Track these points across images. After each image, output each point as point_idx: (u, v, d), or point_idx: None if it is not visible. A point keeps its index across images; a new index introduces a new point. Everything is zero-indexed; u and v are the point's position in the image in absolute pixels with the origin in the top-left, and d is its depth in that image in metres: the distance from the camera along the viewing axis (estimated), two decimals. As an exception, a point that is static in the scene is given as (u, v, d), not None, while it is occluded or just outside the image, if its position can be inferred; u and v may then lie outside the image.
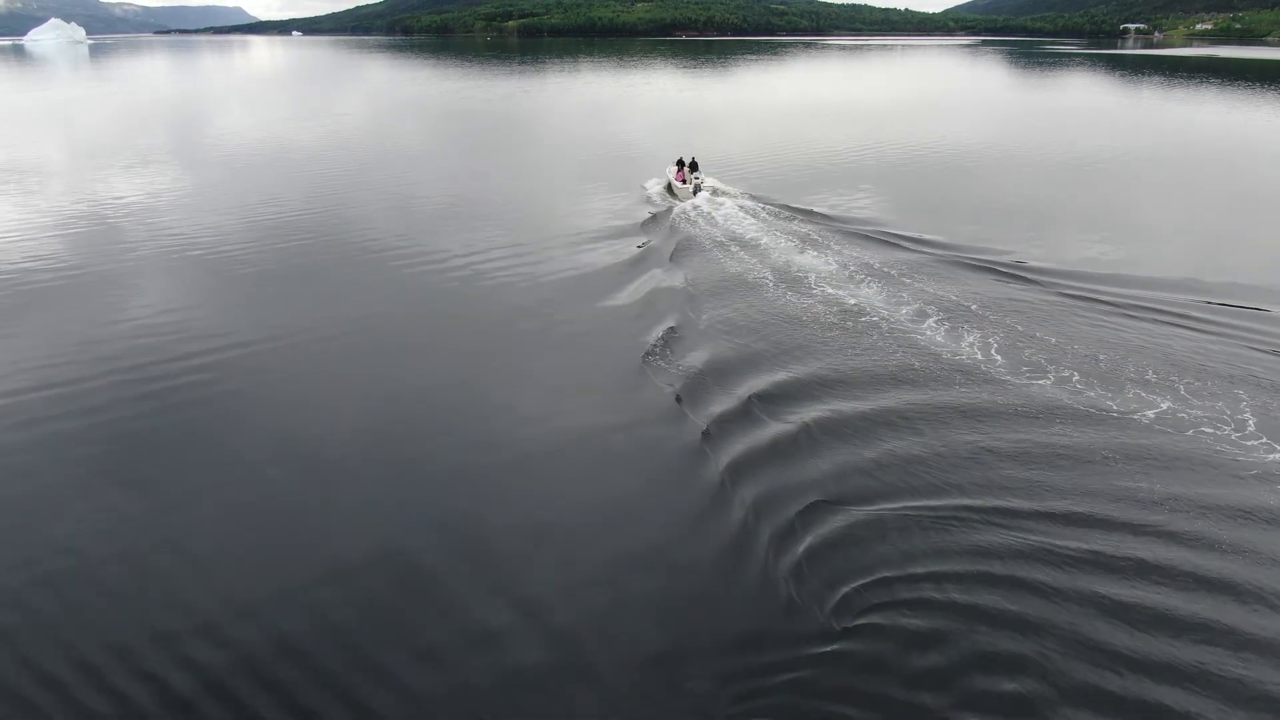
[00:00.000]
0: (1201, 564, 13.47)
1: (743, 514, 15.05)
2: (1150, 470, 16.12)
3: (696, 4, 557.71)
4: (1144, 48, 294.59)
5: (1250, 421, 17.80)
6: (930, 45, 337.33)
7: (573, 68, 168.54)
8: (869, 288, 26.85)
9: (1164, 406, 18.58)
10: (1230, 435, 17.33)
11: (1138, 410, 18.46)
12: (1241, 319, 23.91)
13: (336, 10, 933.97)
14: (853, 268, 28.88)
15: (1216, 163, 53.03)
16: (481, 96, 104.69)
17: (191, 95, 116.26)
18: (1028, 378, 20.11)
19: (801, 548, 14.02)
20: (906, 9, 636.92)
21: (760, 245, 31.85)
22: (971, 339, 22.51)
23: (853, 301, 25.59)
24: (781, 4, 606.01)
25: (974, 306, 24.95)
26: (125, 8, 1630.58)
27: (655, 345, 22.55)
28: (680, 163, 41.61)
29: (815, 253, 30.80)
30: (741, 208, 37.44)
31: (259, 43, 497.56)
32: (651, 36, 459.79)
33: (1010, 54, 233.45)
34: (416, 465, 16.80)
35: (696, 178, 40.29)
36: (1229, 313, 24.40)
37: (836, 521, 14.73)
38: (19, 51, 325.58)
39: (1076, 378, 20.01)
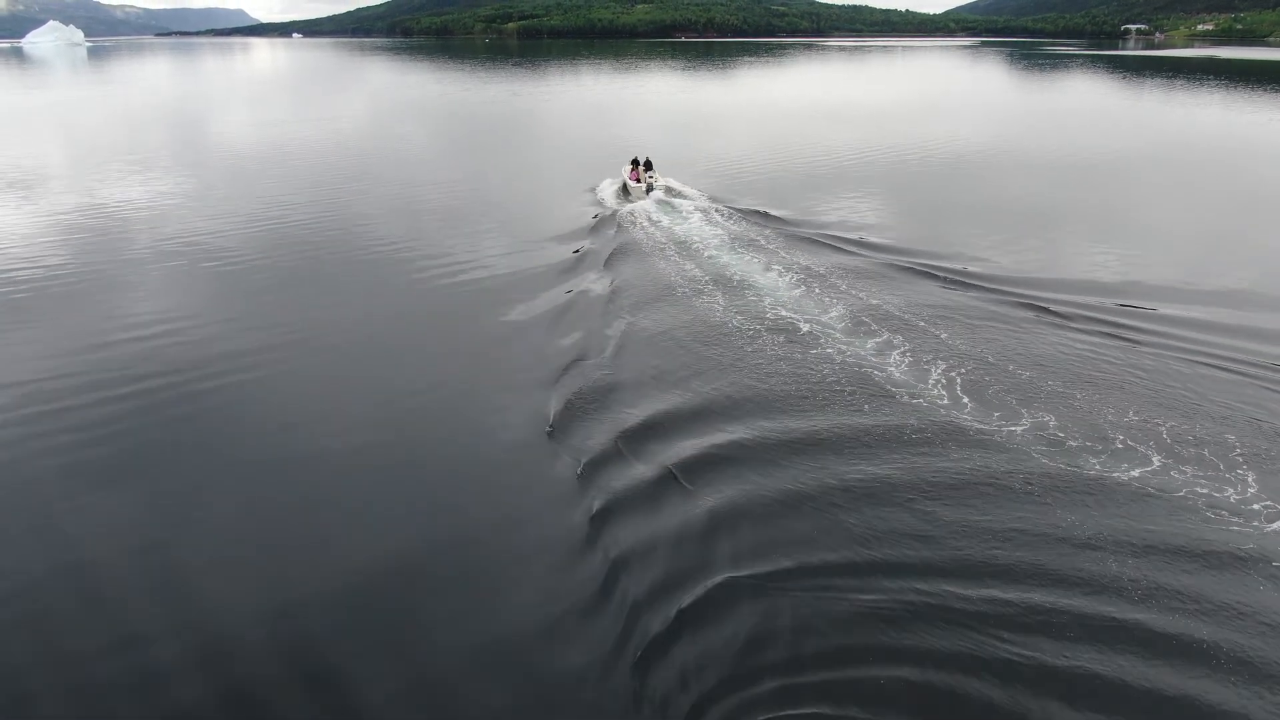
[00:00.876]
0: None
1: (598, 576, 12.94)
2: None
3: (696, 5, 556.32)
4: (1145, 49, 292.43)
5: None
6: (930, 46, 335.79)
7: (568, 69, 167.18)
8: (807, 298, 24.70)
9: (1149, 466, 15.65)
10: (1230, 499, 14.52)
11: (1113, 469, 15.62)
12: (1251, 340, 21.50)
13: (337, 13, 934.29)
14: (796, 275, 26.77)
15: (1220, 164, 51.34)
16: (473, 99, 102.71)
17: (182, 96, 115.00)
18: (994, 421, 17.12)
19: (663, 632, 11.75)
20: (907, 10, 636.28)
21: (700, 250, 29.85)
22: (913, 363, 20.03)
23: (782, 314, 23.41)
24: (782, 5, 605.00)
25: (922, 322, 22.65)
26: (126, 10, 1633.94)
27: (549, 368, 20.39)
28: (635, 162, 40.85)
29: (757, 258, 28.82)
30: (696, 208, 35.99)
31: (257, 45, 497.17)
32: (651, 38, 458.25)
33: (1011, 55, 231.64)
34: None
35: (651, 176, 39.73)
36: (1234, 332, 22.04)
37: (717, 604, 12.28)
38: (17, 54, 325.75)
39: (1052, 423, 17.05)
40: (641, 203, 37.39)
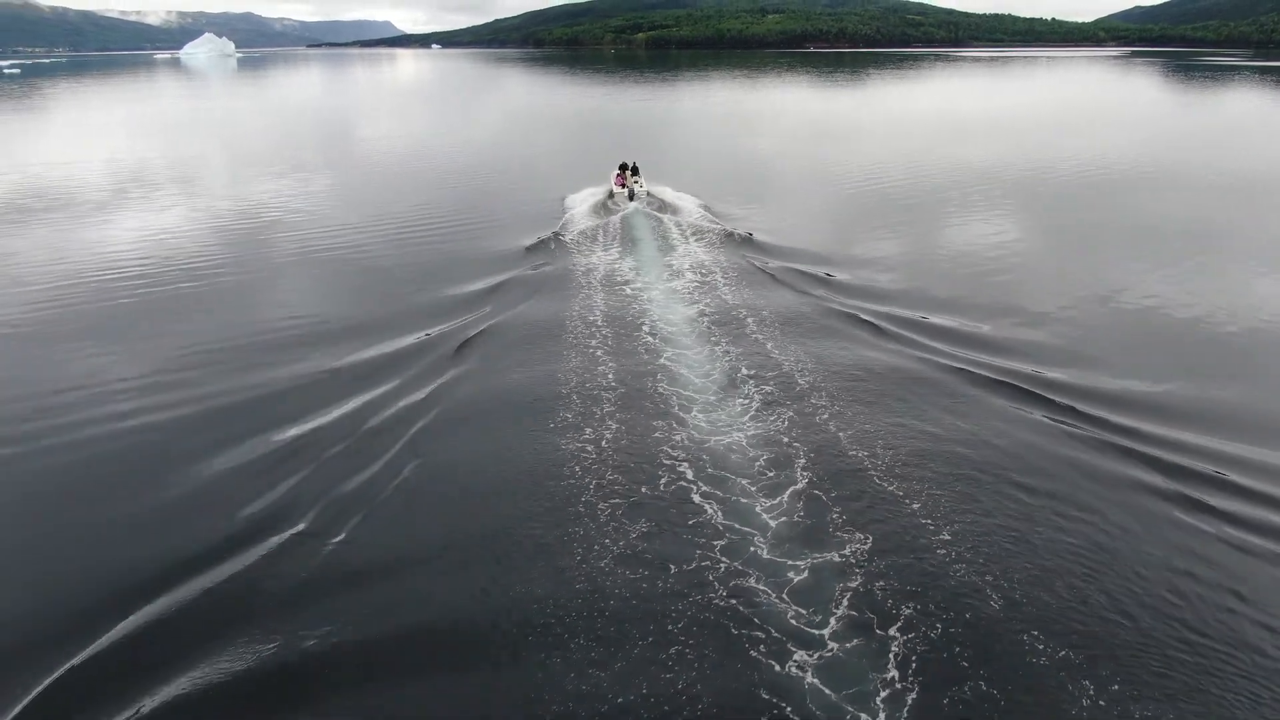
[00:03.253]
0: None
1: None
2: None
3: (829, 15, 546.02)
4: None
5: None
6: (1077, 57, 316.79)
7: (688, 79, 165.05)
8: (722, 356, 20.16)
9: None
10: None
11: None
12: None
13: (476, 24, 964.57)
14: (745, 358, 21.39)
15: None
16: (597, 108, 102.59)
17: (301, 104, 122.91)
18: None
19: None
20: (1054, 19, 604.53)
21: (636, 287, 25.68)
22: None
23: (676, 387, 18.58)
24: (918, 14, 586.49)
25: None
26: (284, 22, 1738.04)
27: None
28: (623, 166, 39.98)
29: (700, 293, 24.78)
30: (677, 225, 33.72)
31: (393, 55, 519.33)
32: (781, 49, 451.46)
33: (1166, 66, 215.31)
34: None
35: (637, 181, 38.85)
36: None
37: None
38: (175, 64, 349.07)
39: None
40: (621, 212, 36.12)
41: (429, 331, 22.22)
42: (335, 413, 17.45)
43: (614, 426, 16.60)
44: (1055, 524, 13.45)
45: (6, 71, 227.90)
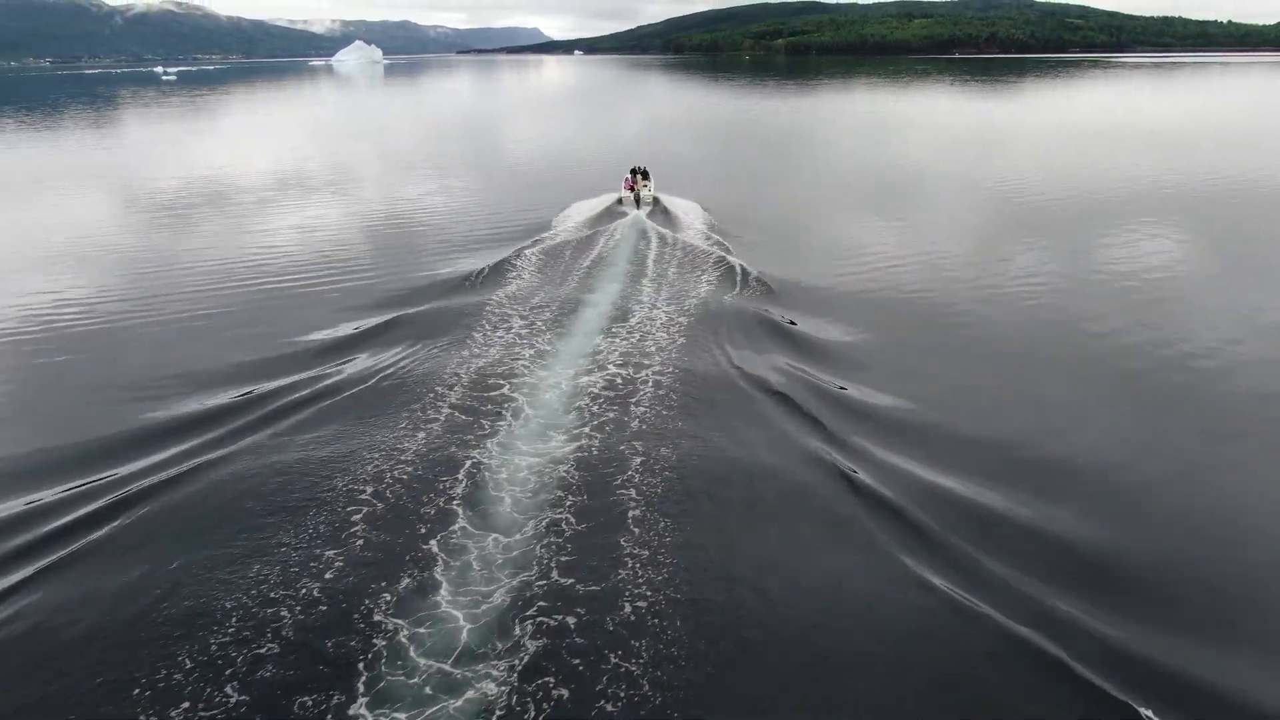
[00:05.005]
0: None
1: None
2: None
3: (979, 19, 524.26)
4: None
5: None
6: (1257, 63, 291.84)
7: (838, 86, 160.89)
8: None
9: None
10: None
11: None
12: None
13: (619, 30, 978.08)
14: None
15: None
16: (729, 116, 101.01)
17: (437, 108, 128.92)
18: None
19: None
20: (1229, 20, 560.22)
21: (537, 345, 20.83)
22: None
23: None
24: (1078, 18, 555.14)
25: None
26: (438, 30, 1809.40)
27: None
28: (633, 171, 40.27)
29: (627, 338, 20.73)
30: (665, 249, 30.21)
31: (537, 61, 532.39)
32: (926, 54, 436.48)
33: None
34: None
35: (645, 186, 38.98)
36: None
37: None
38: (326, 70, 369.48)
39: None
40: (627, 218, 34.88)
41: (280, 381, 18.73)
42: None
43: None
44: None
45: (164, 78, 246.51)
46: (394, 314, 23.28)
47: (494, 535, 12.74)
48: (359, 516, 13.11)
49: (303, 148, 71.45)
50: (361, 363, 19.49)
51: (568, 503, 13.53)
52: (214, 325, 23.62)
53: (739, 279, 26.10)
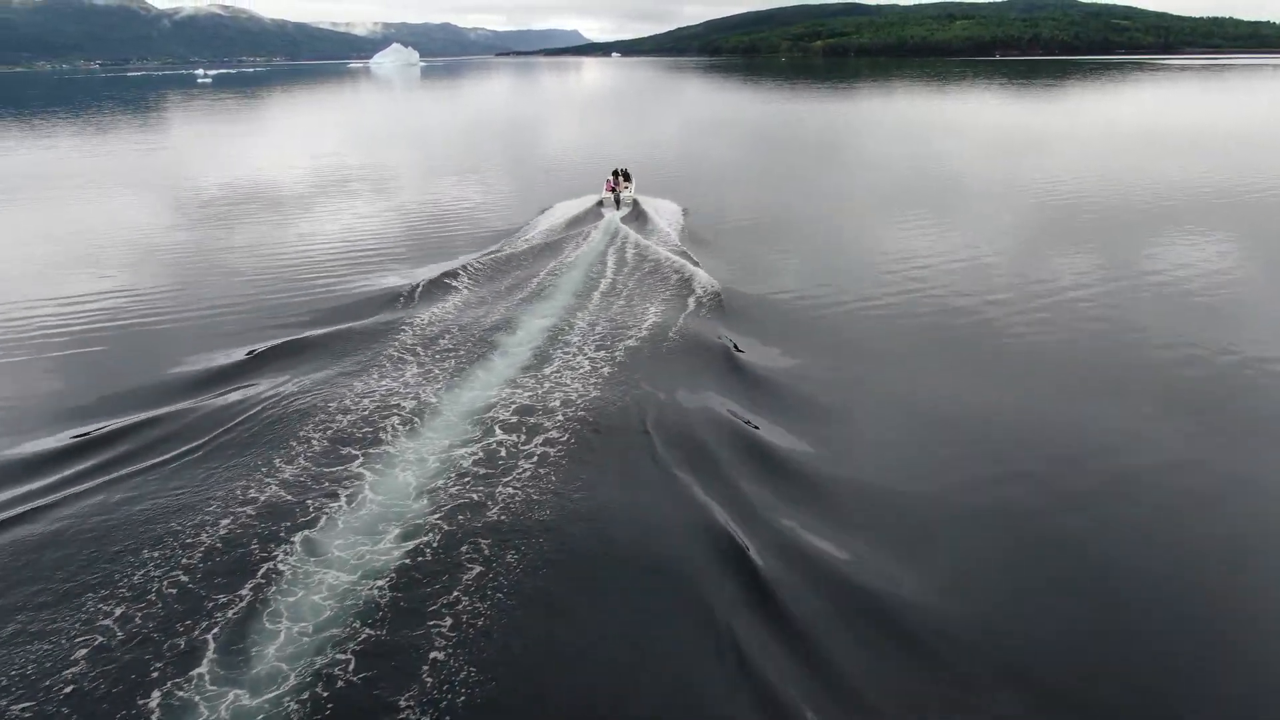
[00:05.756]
0: None
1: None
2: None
3: (1022, 20, 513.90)
4: None
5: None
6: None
7: (878, 88, 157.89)
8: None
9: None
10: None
11: None
12: None
13: (658, 32, 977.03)
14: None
15: None
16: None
17: (448, 109, 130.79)
18: None
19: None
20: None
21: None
22: None
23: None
24: (1124, 18, 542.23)
25: None
26: (478, 32, 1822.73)
27: None
28: (615, 173, 39.87)
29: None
30: (623, 250, 29.06)
31: (573, 63, 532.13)
32: (966, 57, 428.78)
33: None
34: None
35: (626, 188, 38.71)
36: None
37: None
38: (364, 72, 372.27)
39: None
40: (605, 219, 34.29)
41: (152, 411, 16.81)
42: None
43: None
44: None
45: (199, 81, 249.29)
46: (288, 338, 21.05)
47: (235, 691, 9.66)
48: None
49: (281, 152, 69.64)
50: (218, 401, 17.19)
51: (358, 640, 10.41)
52: (92, 355, 21.33)
53: (695, 298, 23.96)
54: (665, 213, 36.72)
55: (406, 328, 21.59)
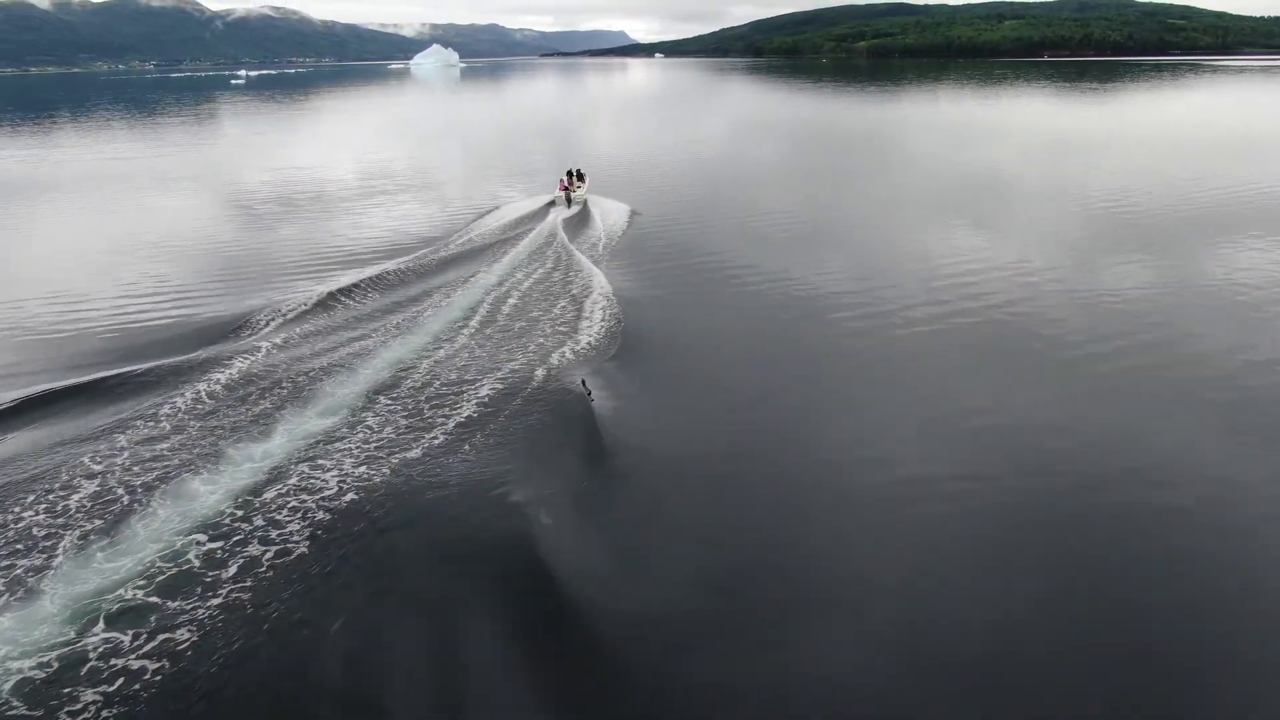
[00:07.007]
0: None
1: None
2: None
3: (1073, 20, 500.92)
4: None
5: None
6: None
7: (924, 92, 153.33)
8: None
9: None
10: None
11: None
12: None
13: (703, 33, 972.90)
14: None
15: None
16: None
17: (458, 110, 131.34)
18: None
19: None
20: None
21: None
22: None
23: None
24: (1181, 19, 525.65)
25: None
26: (524, 33, 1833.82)
27: None
28: (569, 173, 40.30)
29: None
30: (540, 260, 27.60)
31: (616, 64, 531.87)
32: (1015, 58, 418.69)
33: None
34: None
35: (580, 187, 39.04)
36: None
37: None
38: (404, 73, 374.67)
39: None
40: (556, 214, 34.32)
41: None
42: None
43: None
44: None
45: (233, 83, 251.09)
46: (104, 373, 18.50)
47: None
48: None
49: (242, 159, 67.03)
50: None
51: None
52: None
53: (586, 324, 21.02)
54: (612, 212, 36.41)
55: (222, 372, 18.67)
